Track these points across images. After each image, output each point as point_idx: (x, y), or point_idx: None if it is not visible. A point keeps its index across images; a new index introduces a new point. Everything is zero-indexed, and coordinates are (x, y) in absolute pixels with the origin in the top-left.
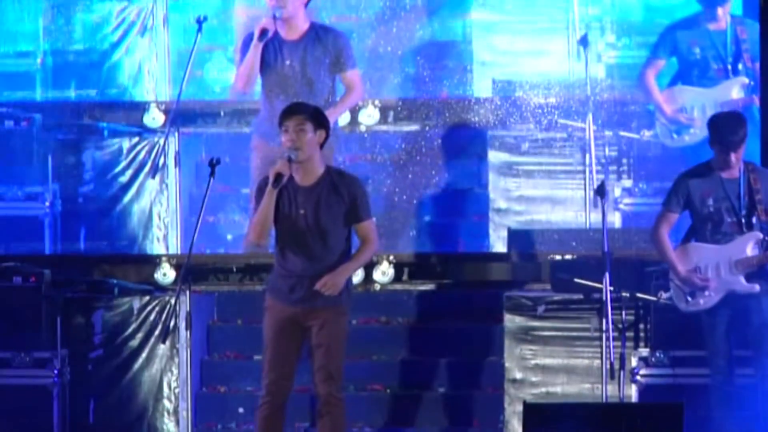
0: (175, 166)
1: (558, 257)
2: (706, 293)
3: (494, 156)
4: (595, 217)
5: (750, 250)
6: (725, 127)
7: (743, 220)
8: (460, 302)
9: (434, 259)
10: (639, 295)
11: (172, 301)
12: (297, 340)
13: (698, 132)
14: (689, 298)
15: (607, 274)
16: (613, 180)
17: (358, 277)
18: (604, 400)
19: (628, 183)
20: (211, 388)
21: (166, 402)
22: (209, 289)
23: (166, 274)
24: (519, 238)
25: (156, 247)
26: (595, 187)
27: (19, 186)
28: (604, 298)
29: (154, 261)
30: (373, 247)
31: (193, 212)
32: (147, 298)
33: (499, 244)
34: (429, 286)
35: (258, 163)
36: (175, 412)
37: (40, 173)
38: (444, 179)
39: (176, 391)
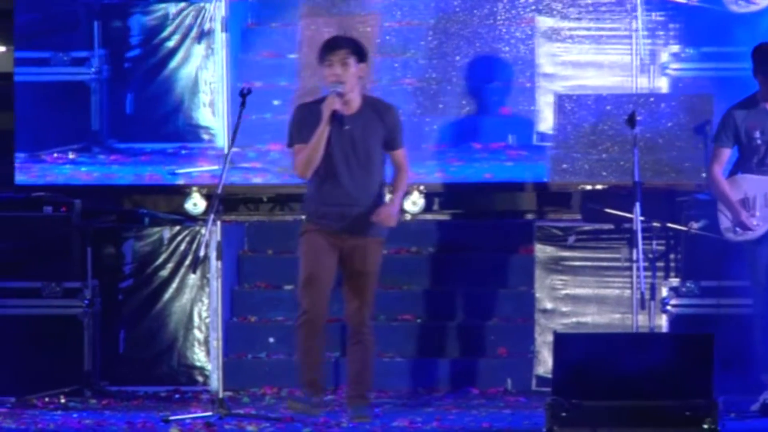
0: (223, 31)
1: (588, 187)
2: (756, 223)
3: (541, 21)
4: (642, 83)
5: None
6: None
7: None
8: (491, 232)
9: (465, 188)
10: (670, 225)
11: (203, 230)
12: (334, 267)
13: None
14: (738, 229)
15: (637, 204)
16: (660, 45)
17: None
18: (634, 330)
19: (675, 48)
20: (242, 318)
21: (196, 332)
22: (239, 219)
23: (196, 204)
24: (566, 103)
25: (202, 113)
26: (627, 117)
27: (65, 52)
28: (634, 228)
29: (184, 191)
30: (408, 175)
31: (240, 78)
32: (177, 227)
33: (547, 109)
34: (459, 216)
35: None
36: (206, 342)
37: (85, 39)
38: (487, 44)
39: (206, 321)
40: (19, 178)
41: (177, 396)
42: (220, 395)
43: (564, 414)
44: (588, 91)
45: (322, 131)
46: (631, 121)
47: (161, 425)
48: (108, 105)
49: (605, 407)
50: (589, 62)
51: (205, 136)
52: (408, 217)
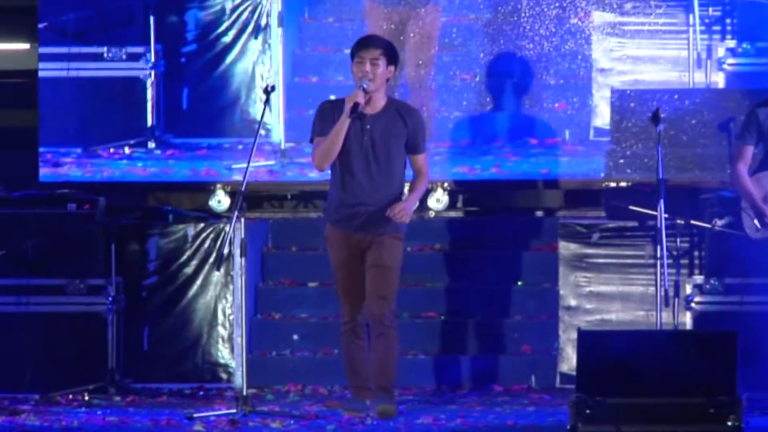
0: (279, 26)
1: (612, 184)
2: None
3: (598, 16)
4: (698, 77)
5: None
6: None
7: None
8: (514, 229)
9: (489, 185)
10: (694, 222)
11: (227, 228)
12: (362, 266)
13: None
14: (759, 227)
15: (661, 202)
16: (717, 41)
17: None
18: (658, 327)
19: (731, 43)
20: (266, 315)
21: (220, 329)
22: (264, 216)
23: (220, 201)
24: (622, 98)
25: (258, 108)
26: (651, 114)
27: (121, 46)
28: (658, 225)
29: (208, 188)
30: (427, 180)
31: (296, 73)
32: (201, 225)
33: (603, 104)
34: (482, 214)
35: (373, 26)
36: (230, 339)
37: (141, 34)
38: (547, 39)
39: (231, 318)
40: (74, 173)
41: (201, 393)
42: (245, 392)
43: (588, 411)
44: (643, 86)
45: (343, 122)
46: (655, 119)
47: (185, 422)
48: (164, 100)
49: (629, 404)
50: (646, 57)
51: (261, 131)
52: (432, 214)
